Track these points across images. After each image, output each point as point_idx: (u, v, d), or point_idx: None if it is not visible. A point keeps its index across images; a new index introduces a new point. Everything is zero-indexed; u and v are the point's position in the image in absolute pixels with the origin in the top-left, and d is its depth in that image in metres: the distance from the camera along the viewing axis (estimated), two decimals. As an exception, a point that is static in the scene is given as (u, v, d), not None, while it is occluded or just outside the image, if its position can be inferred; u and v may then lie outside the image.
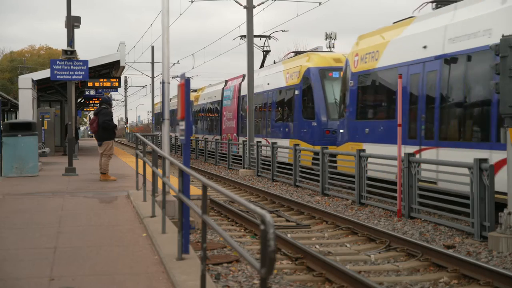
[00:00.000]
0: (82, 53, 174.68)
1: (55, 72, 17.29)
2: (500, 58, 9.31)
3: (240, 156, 25.93)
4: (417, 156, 13.57)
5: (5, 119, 33.69)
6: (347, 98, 17.56)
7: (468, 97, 12.67)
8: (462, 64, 12.64)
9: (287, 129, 22.98)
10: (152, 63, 53.56)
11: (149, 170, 10.45)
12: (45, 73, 23.60)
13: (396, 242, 9.60)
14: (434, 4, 14.88)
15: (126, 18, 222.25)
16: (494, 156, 11.12)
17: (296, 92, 21.88)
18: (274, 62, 27.44)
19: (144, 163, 11.18)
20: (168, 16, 11.27)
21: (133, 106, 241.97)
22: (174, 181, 11.72)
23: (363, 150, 14.74)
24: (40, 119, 27.00)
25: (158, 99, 58.17)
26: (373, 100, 16.74)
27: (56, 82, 26.02)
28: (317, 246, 9.85)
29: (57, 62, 17.40)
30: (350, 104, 17.31)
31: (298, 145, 19.33)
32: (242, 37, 29.71)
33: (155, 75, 55.23)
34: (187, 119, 6.78)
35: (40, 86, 26.55)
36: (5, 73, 73.41)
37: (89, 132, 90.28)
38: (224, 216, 13.03)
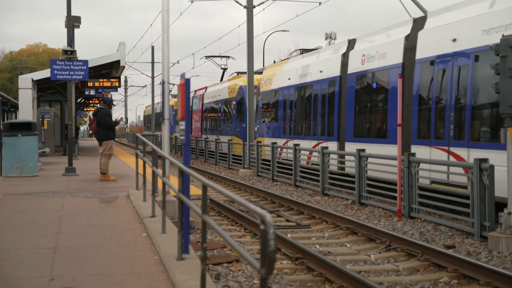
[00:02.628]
0: (85, 53, 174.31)
1: (55, 72, 17.27)
2: (500, 58, 9.32)
3: (240, 156, 26.24)
4: (287, 144, 22.07)
5: (5, 119, 33.69)
6: (258, 108, 26.41)
7: (307, 110, 21.15)
8: (302, 91, 21.57)
9: (229, 128, 31.30)
10: (152, 63, 53.54)
11: (149, 170, 10.45)
12: (45, 73, 23.58)
13: (396, 242, 9.60)
14: (300, 51, 24.88)
15: (129, 17, 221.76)
16: (282, 141, 22.26)
17: (234, 102, 30.46)
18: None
19: (144, 163, 11.17)
20: (168, 15, 11.26)
21: (133, 106, 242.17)
22: (174, 181, 11.71)
23: (363, 150, 14.80)
24: (40, 119, 26.99)
25: (158, 99, 58.33)
26: (267, 110, 25.58)
27: (56, 82, 26.00)
28: (317, 246, 9.85)
29: (57, 62, 17.39)
30: (259, 112, 26.27)
31: (298, 145, 19.38)
32: (207, 57, 37.56)
33: (155, 75, 55.23)
34: (187, 119, 6.76)
35: (40, 86, 26.54)
36: (5, 73, 73.40)
37: (89, 132, 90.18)
38: (224, 216, 13.03)
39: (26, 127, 16.67)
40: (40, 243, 7.53)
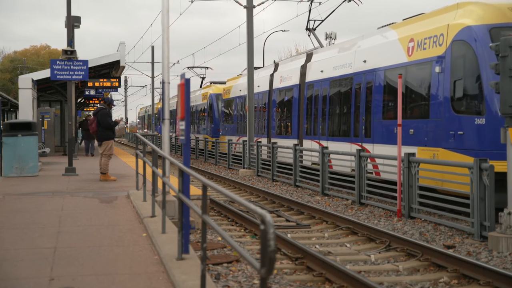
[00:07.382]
0: (92, 53, 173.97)
1: (55, 72, 17.27)
2: (500, 58, 9.32)
3: (240, 156, 26.31)
4: (239, 140, 27.73)
5: (5, 119, 33.67)
6: (221, 111, 33.85)
7: (235, 116, 29.69)
8: (232, 102, 30.03)
9: (202, 128, 38.55)
10: (152, 63, 53.52)
11: (149, 170, 10.45)
12: (45, 73, 23.56)
13: (396, 242, 9.59)
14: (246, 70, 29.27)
15: (137, 17, 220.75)
16: (236, 139, 28.68)
17: (205, 107, 37.45)
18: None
19: (144, 163, 11.16)
20: (168, 15, 11.25)
21: (133, 106, 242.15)
22: (174, 181, 11.71)
23: (363, 150, 14.85)
24: (40, 119, 26.97)
25: (158, 99, 58.42)
26: (227, 114, 32.27)
27: (56, 82, 26.00)
28: (317, 246, 9.85)
29: (57, 62, 17.38)
30: (223, 115, 33.35)
31: (297, 145, 19.40)
32: (189, 68, 44.72)
33: (155, 75, 55.23)
34: (187, 119, 6.76)
35: (40, 86, 26.53)
36: (6, 74, 73.42)
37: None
38: (224, 216, 13.02)
39: (26, 127, 16.67)
40: (40, 243, 7.53)
